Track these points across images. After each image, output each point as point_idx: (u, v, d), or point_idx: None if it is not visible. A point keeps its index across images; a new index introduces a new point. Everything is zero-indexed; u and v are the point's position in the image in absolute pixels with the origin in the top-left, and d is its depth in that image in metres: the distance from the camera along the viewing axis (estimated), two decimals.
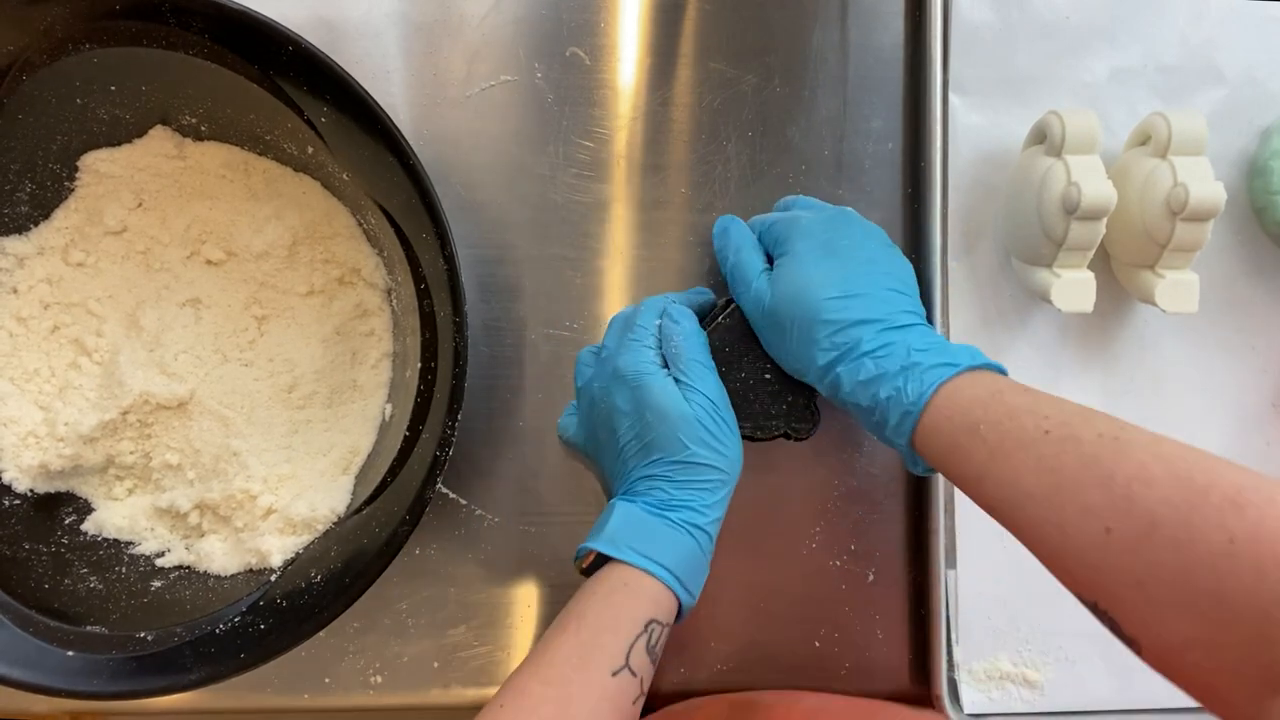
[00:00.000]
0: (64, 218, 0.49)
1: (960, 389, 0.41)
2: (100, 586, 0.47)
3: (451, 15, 0.54)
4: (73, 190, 0.49)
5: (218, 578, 0.48)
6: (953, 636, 0.54)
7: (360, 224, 0.51)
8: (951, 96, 0.55)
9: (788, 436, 0.49)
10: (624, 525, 0.44)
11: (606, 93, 0.55)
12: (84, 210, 0.50)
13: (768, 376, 0.49)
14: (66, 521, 0.49)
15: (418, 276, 0.45)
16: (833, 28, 0.56)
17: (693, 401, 0.45)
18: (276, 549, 0.47)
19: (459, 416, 0.42)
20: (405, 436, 0.45)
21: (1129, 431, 0.36)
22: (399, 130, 0.43)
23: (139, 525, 0.49)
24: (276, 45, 0.42)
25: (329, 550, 0.46)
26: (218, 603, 0.46)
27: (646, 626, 0.41)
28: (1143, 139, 0.52)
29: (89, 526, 0.49)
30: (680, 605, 0.44)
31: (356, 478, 0.49)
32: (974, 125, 0.55)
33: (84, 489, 0.50)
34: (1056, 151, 0.49)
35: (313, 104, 0.44)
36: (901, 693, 0.55)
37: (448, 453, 0.42)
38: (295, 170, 0.51)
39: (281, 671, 0.52)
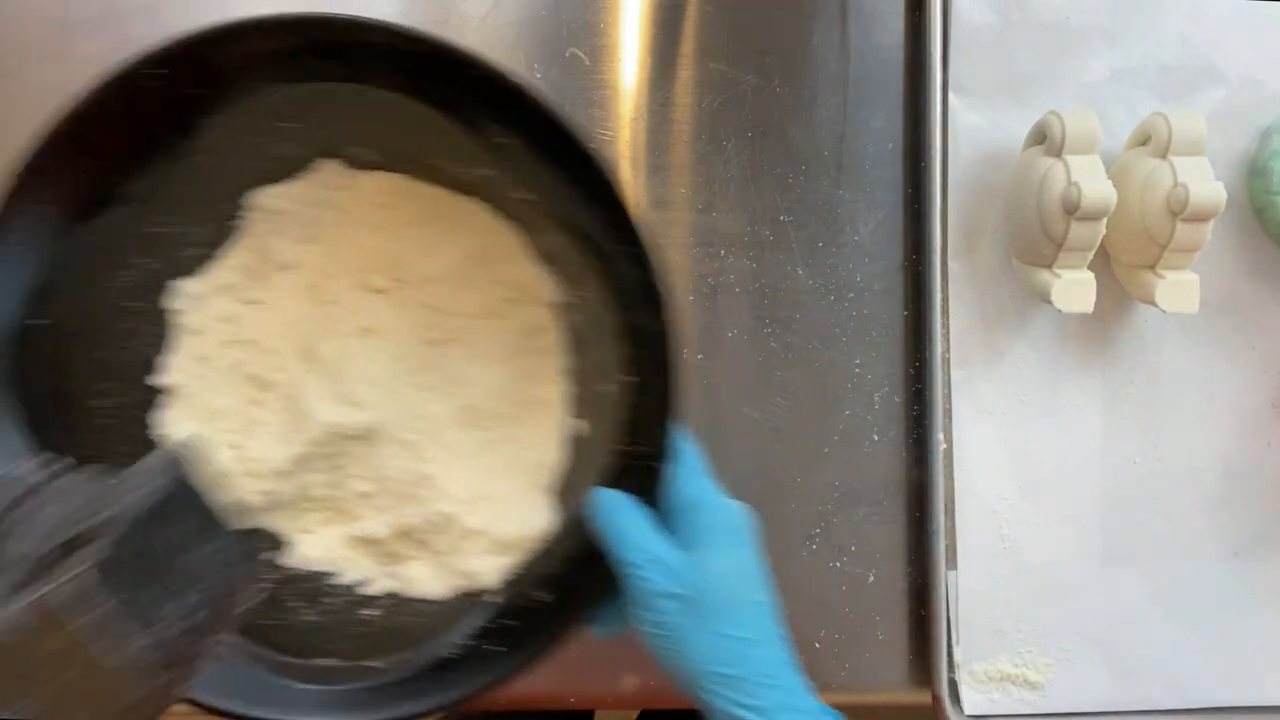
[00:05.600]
0: (234, 256, 0.49)
1: None
2: (315, 618, 0.47)
3: (451, 15, 0.54)
4: (241, 228, 0.49)
5: (428, 602, 0.48)
6: (953, 637, 0.54)
7: (531, 243, 0.50)
8: (951, 96, 0.55)
9: None
10: None
11: (606, 93, 0.55)
12: (253, 248, 0.49)
13: None
14: (263, 557, 0.48)
15: (608, 290, 0.46)
16: (833, 28, 0.56)
17: None
18: (484, 569, 0.47)
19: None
20: (620, 451, 0.46)
21: None
22: (595, 151, 0.41)
23: (336, 555, 0.49)
24: (464, 70, 0.41)
25: (552, 567, 0.47)
26: (437, 628, 0.46)
27: None
28: (1143, 139, 0.52)
29: (288, 560, 0.48)
30: None
31: (553, 493, 0.49)
32: (974, 125, 0.55)
33: (277, 523, 0.49)
34: (1056, 152, 0.49)
35: (496, 126, 0.44)
36: (901, 694, 0.55)
37: (664, 465, 0.42)
38: (461, 193, 0.50)
39: None
